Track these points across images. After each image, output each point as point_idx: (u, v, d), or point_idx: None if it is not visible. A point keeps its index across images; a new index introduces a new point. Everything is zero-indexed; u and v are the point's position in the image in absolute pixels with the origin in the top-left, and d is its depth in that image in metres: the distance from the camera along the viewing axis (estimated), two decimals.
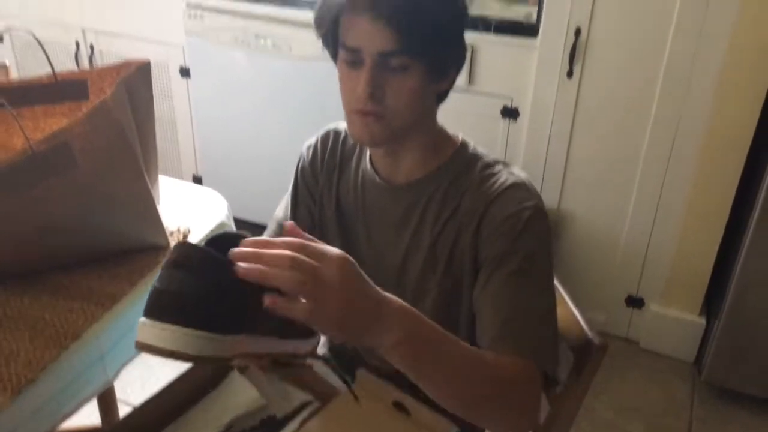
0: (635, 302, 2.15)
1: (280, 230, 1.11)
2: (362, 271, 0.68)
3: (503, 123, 2.06)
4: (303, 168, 1.11)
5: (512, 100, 2.03)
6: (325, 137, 1.10)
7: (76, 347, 1.01)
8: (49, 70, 1.22)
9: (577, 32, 1.84)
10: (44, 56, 1.20)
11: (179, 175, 2.63)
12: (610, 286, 2.14)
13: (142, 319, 0.61)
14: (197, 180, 2.65)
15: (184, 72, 2.48)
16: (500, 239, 0.90)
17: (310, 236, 0.67)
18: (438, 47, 0.87)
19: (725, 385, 1.98)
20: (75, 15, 2.53)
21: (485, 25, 1.96)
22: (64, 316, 1.05)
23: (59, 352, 0.99)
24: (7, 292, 1.09)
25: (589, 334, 1.01)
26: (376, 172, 1.02)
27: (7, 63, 1.88)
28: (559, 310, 1.10)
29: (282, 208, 1.15)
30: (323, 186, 1.08)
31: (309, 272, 0.63)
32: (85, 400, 1.05)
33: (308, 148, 1.12)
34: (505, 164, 0.97)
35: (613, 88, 1.89)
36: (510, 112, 2.04)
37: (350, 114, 0.92)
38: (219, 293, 0.61)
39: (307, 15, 2.09)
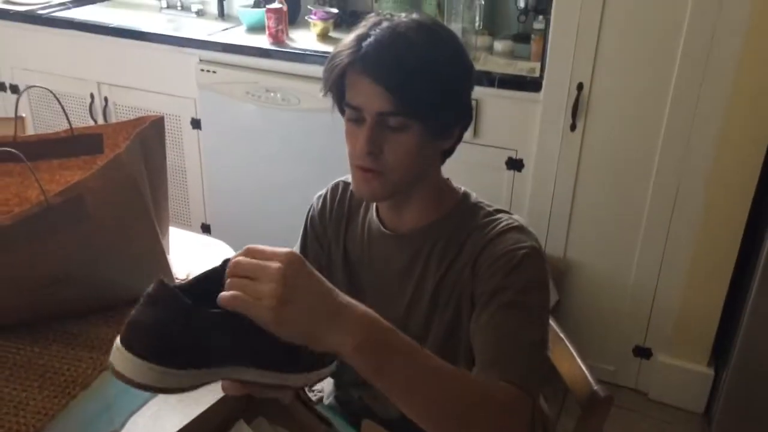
0: (643, 352, 2.14)
1: None
2: (314, 270, 0.67)
3: (508, 174, 2.09)
4: (312, 218, 1.14)
5: (517, 152, 2.06)
6: (335, 188, 1.13)
7: (84, 396, 1.02)
8: (64, 121, 1.26)
9: (580, 87, 1.89)
10: (58, 108, 1.24)
11: (188, 223, 2.66)
12: (617, 336, 2.13)
13: (117, 342, 0.65)
14: (206, 228, 2.68)
15: (196, 123, 2.53)
16: (495, 275, 0.92)
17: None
18: (436, 109, 0.90)
19: None
20: (90, 69, 2.61)
21: (489, 80, 2.01)
22: (74, 365, 1.07)
23: (67, 401, 1.00)
24: (18, 340, 1.11)
25: (595, 386, 1.01)
26: (382, 222, 1.04)
27: (24, 115, 1.93)
28: (565, 364, 1.11)
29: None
30: (331, 235, 1.10)
31: (251, 270, 0.65)
32: None
33: (318, 198, 1.15)
34: (506, 212, 1.01)
35: (615, 140, 1.92)
36: (515, 164, 2.07)
37: (353, 168, 0.95)
38: (183, 330, 0.65)
39: (315, 69, 2.17)
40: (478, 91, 2.01)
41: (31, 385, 1.02)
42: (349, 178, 1.13)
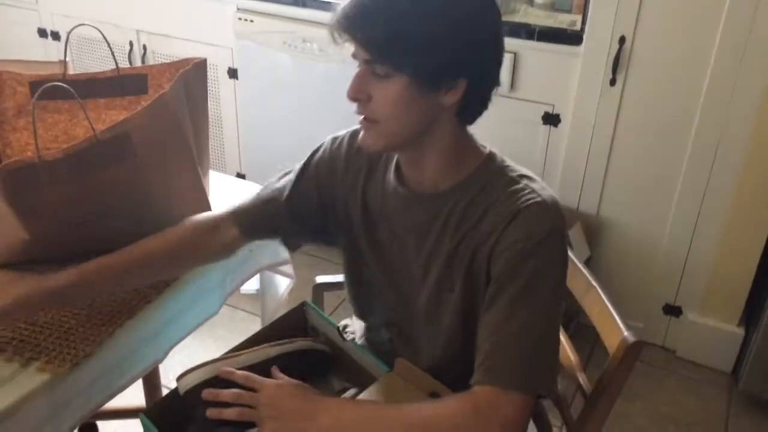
0: (673, 311, 2.14)
1: (272, 201, 1.13)
2: (294, 390, 0.97)
3: (544, 129, 2.08)
4: (322, 158, 1.13)
5: (554, 107, 2.04)
6: (354, 135, 1.11)
7: (130, 325, 1.07)
8: (101, 68, 1.28)
9: (622, 40, 1.85)
10: (97, 55, 1.27)
11: (223, 172, 2.70)
12: (647, 294, 2.13)
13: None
14: (241, 177, 2.72)
15: (232, 73, 2.55)
16: (508, 261, 0.91)
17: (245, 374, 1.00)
18: (418, 58, 0.87)
19: (762, 396, 1.96)
20: (130, 17, 2.63)
21: (528, 32, 1.98)
22: (119, 297, 1.11)
23: (114, 329, 1.05)
24: None
25: (625, 332, 1.02)
26: (401, 179, 1.04)
27: (67, 59, 1.96)
28: (595, 309, 1.12)
29: (284, 180, 1.15)
30: (350, 186, 1.09)
31: (250, 401, 0.96)
32: (136, 377, 1.11)
33: (333, 139, 1.14)
34: (531, 179, 0.97)
35: (656, 96, 1.89)
36: (551, 119, 2.06)
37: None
38: None
39: None
40: (516, 44, 2.00)
41: (79, 313, 1.07)
42: None
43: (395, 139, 0.95)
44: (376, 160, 1.08)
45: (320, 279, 1.44)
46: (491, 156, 1.00)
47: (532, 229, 0.91)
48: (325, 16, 2.25)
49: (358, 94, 0.91)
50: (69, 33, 1.20)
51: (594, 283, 1.14)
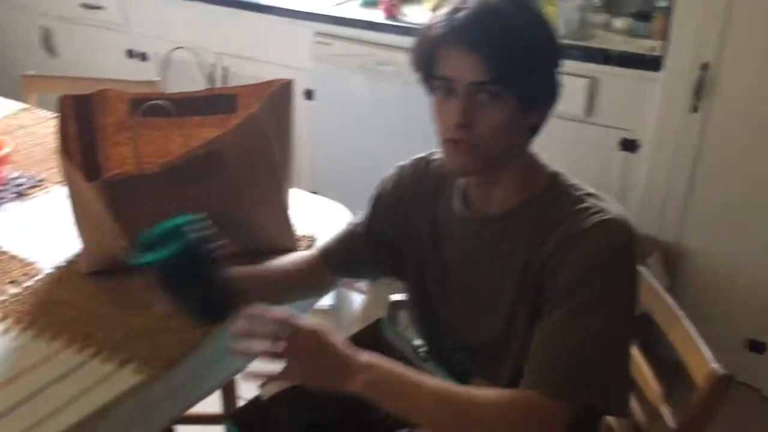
0: (757, 347, 2.05)
1: (350, 237, 1.19)
2: (328, 340, 0.89)
3: (620, 155, 2.04)
4: (389, 188, 1.16)
5: (631, 133, 2.01)
6: (418, 162, 1.14)
7: (216, 333, 1.10)
8: (183, 87, 1.34)
9: (704, 67, 1.82)
10: (180, 75, 1.33)
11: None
12: (730, 327, 2.05)
13: None
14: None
15: (308, 94, 2.62)
16: (574, 273, 0.90)
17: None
18: (529, 78, 0.89)
19: None
20: (212, 39, 2.74)
21: (606, 57, 1.97)
22: None
23: (203, 336, 1.09)
24: None
25: (713, 364, 1.00)
26: (468, 202, 1.04)
27: (159, 79, 2.07)
28: (682, 340, 1.09)
29: (360, 215, 1.21)
30: (419, 213, 1.10)
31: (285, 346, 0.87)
32: (221, 383, 1.15)
33: (400, 168, 1.16)
34: (598, 197, 0.96)
35: (741, 123, 1.84)
36: (628, 145, 2.02)
37: (444, 143, 0.96)
38: None
39: None
40: (594, 69, 1.99)
41: (171, 319, 1.11)
42: (432, 154, 1.14)
43: (490, 160, 0.95)
44: (441, 184, 1.08)
45: (395, 297, 1.45)
46: (557, 174, 1.00)
47: (601, 244, 0.90)
48: (401, 41, 2.33)
49: (467, 118, 0.90)
50: (168, 54, 1.27)
51: (679, 312, 1.11)
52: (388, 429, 0.99)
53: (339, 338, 0.91)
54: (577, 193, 0.97)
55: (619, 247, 0.90)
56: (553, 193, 0.98)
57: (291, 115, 1.33)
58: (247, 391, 1.97)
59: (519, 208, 0.98)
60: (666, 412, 1.09)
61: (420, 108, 2.43)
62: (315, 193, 2.77)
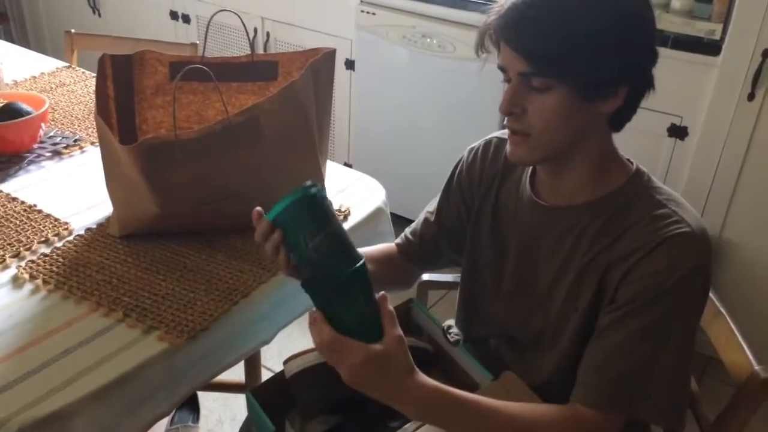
0: None
1: (425, 225, 1.16)
2: (383, 364, 0.81)
3: (668, 142, 1.97)
4: (461, 171, 1.12)
5: (682, 119, 1.93)
6: (488, 143, 1.10)
7: (244, 304, 1.10)
8: (225, 52, 1.31)
9: (765, 54, 1.73)
10: (222, 39, 1.30)
11: (331, 160, 2.74)
12: None
13: None
14: (347, 166, 2.75)
15: (350, 64, 2.58)
16: (643, 290, 0.86)
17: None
18: (581, 69, 0.82)
19: None
20: (256, 4, 2.71)
21: (662, 39, 1.88)
22: (236, 276, 1.14)
23: (230, 307, 1.08)
24: (187, 246, 1.20)
25: (756, 366, 0.95)
26: (535, 190, 1.00)
27: (198, 42, 2.05)
28: (723, 339, 1.05)
29: (434, 203, 1.17)
30: (483, 195, 1.08)
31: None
32: (245, 354, 1.14)
33: (470, 151, 1.12)
34: (680, 204, 0.91)
35: None
36: (677, 131, 1.95)
37: (507, 130, 0.93)
38: None
39: (473, 17, 2.13)
40: None
41: (198, 287, 1.11)
42: (504, 134, 1.10)
43: (549, 151, 0.90)
44: (512, 167, 1.05)
45: (426, 277, 1.43)
46: (639, 173, 0.94)
47: (676, 262, 0.85)
48: (446, 13, 2.28)
49: (514, 108, 0.87)
50: (210, 19, 1.24)
51: (723, 310, 1.07)
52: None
53: (403, 359, 0.83)
54: (658, 197, 0.91)
55: (696, 266, 0.86)
56: (630, 193, 0.92)
57: (331, 86, 1.30)
58: (271, 360, 1.99)
59: (590, 204, 0.93)
60: (702, 411, 1.06)
61: (462, 83, 2.38)
62: (349, 165, 2.77)
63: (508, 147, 0.94)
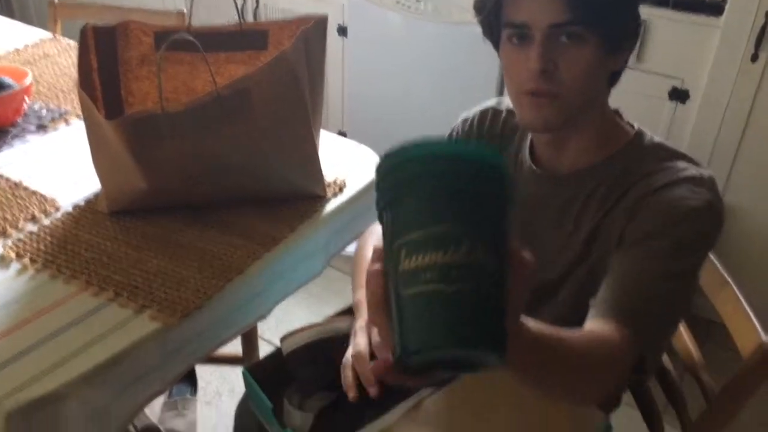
0: None
1: None
2: None
3: (669, 105, 1.93)
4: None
5: (683, 82, 1.89)
6: (484, 113, 1.07)
7: (238, 281, 1.07)
8: (214, 20, 1.27)
9: None
10: (210, 6, 1.25)
11: (325, 129, 2.70)
12: None
13: None
14: (342, 135, 2.71)
15: (342, 31, 2.52)
16: (653, 221, 0.83)
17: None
18: (613, 16, 0.82)
19: None
20: None
21: (662, 0, 1.84)
22: (230, 251, 1.11)
23: (224, 284, 1.05)
24: (178, 222, 1.17)
25: (763, 336, 0.94)
26: (535, 159, 0.97)
27: (184, 10, 1.99)
28: (729, 307, 1.03)
29: None
30: None
31: None
32: (242, 330, 1.12)
33: (464, 122, 1.09)
34: (689, 159, 0.89)
35: None
36: (679, 94, 1.91)
37: (520, 97, 0.88)
38: None
39: None
40: (647, 12, 1.85)
41: (191, 265, 1.08)
42: (501, 102, 1.06)
43: (573, 112, 0.87)
44: (508, 138, 1.02)
45: None
46: (640, 134, 0.92)
47: (690, 195, 0.83)
48: None
49: (549, 64, 0.82)
50: None
51: (729, 278, 1.05)
52: (405, 392, 0.96)
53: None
54: (665, 153, 0.89)
55: (708, 203, 0.83)
56: (632, 153, 0.90)
57: (323, 54, 1.26)
58: (268, 331, 1.98)
59: (592, 168, 0.91)
60: (707, 379, 1.04)
61: (458, 50, 2.33)
62: (343, 134, 2.73)
63: (526, 114, 0.88)
